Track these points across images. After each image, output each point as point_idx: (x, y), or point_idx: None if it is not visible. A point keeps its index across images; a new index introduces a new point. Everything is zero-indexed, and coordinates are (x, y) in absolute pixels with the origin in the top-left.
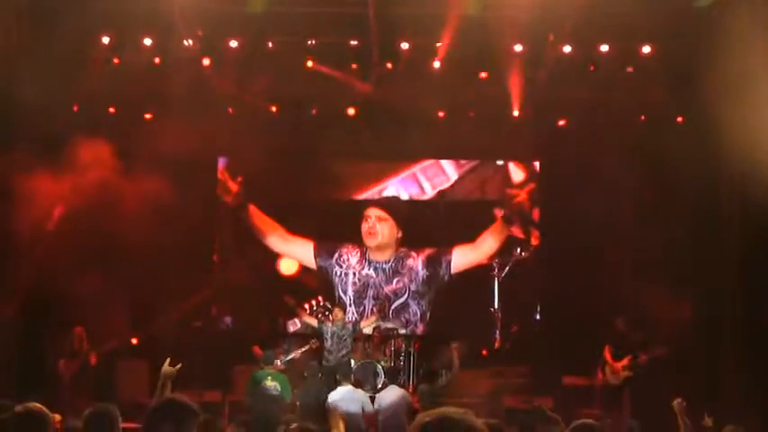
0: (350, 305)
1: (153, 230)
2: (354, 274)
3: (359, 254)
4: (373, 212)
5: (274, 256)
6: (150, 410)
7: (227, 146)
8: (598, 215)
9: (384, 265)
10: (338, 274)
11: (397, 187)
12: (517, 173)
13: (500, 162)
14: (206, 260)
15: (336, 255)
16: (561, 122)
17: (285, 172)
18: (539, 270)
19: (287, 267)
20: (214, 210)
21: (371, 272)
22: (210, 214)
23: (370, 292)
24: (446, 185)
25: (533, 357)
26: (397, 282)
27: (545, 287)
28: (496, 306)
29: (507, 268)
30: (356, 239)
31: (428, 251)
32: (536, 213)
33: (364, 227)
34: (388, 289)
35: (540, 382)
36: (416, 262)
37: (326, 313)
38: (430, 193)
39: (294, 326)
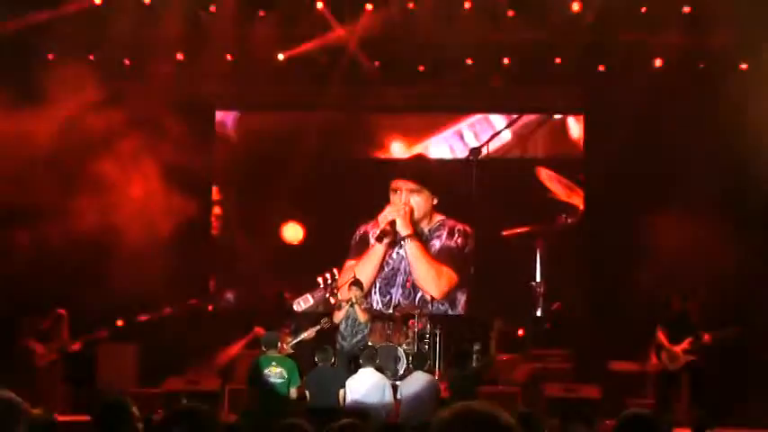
0: (374, 293)
1: (142, 193)
2: (385, 256)
3: (388, 236)
4: (403, 185)
5: (278, 221)
6: None
7: (227, 97)
8: (653, 175)
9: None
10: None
11: (426, 146)
12: (562, 127)
13: (541, 115)
14: (202, 226)
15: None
16: (608, 69)
17: (292, 128)
18: (585, 239)
19: (292, 234)
20: (211, 167)
21: (403, 252)
22: (208, 173)
23: (399, 279)
24: (483, 142)
25: (577, 339)
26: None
27: (591, 258)
28: (538, 280)
29: (551, 237)
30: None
31: (460, 225)
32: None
33: (395, 200)
34: None
35: (584, 368)
36: (452, 233)
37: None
38: (464, 151)
39: (306, 302)
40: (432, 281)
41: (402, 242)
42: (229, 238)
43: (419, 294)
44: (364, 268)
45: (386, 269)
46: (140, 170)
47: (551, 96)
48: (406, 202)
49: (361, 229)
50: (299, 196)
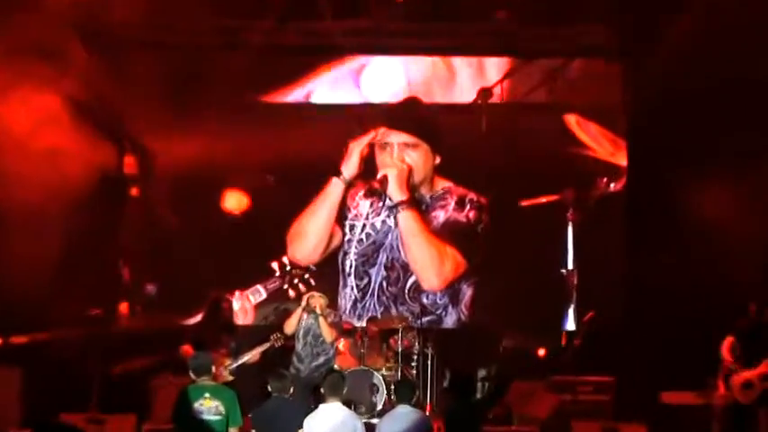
0: (348, 275)
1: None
2: (365, 226)
3: (376, 189)
4: (395, 138)
5: (217, 188)
6: None
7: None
8: (716, 129)
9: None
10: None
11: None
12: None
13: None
14: (113, 194)
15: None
16: None
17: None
18: (632, 213)
19: (235, 202)
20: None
21: (391, 222)
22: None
23: (382, 258)
24: (494, 82)
25: (618, 361)
26: None
27: (638, 242)
28: (569, 267)
29: (587, 209)
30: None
31: (472, 194)
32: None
33: (384, 159)
34: None
35: (627, 400)
36: (462, 204)
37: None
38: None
39: (257, 296)
40: (431, 264)
41: (394, 210)
42: (149, 210)
43: (410, 281)
44: (314, 216)
45: (365, 242)
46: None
47: (578, 34)
48: (401, 159)
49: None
50: (244, 152)
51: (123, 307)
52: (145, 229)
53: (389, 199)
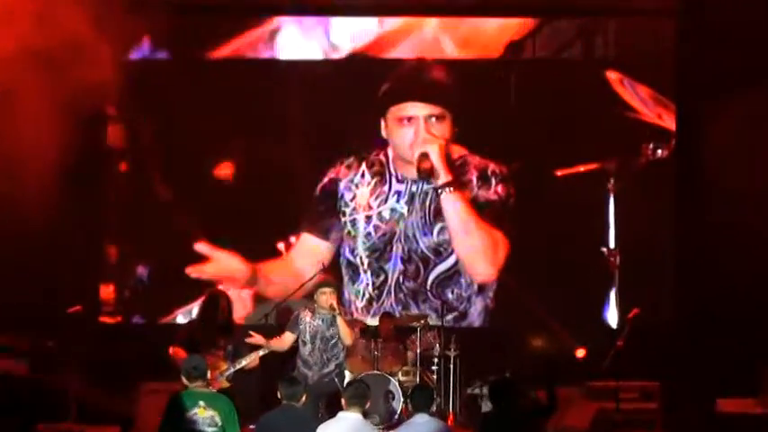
0: (365, 271)
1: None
2: (370, 218)
3: (378, 171)
4: (420, 110)
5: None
6: None
7: None
8: None
9: (427, 190)
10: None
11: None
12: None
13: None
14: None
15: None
16: None
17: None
18: (679, 184)
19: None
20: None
21: (403, 205)
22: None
23: (397, 250)
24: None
25: (665, 364)
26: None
27: (688, 214)
28: (611, 246)
29: (631, 178)
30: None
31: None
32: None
33: (403, 134)
34: (427, 242)
35: (678, 409)
36: (486, 179)
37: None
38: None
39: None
40: (485, 252)
41: (440, 192)
42: (136, 185)
43: (433, 274)
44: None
45: (374, 235)
46: None
47: None
48: (430, 134)
49: (330, 175)
50: (241, 121)
51: (109, 291)
52: (134, 205)
53: (428, 181)
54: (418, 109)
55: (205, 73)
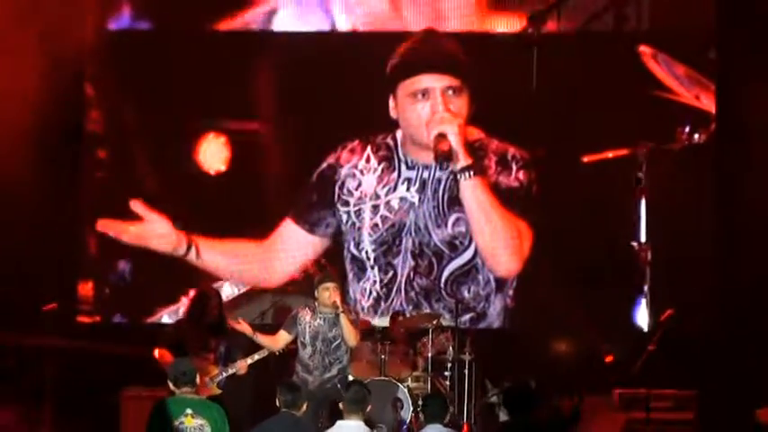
0: (371, 267)
1: None
2: (378, 207)
3: (385, 155)
4: (437, 82)
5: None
6: None
7: None
8: None
9: (440, 177)
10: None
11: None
12: None
13: None
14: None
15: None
16: None
17: None
18: (718, 172)
19: (215, 158)
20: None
21: (413, 194)
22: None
23: (407, 243)
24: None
25: (702, 371)
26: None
27: (728, 206)
28: (642, 240)
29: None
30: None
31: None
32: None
33: (418, 111)
34: (441, 235)
35: (715, 419)
36: (506, 164)
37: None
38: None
39: None
40: (509, 244)
41: (459, 177)
42: (117, 172)
43: (447, 270)
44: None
45: (381, 227)
46: None
47: None
48: (447, 110)
49: (329, 160)
50: (230, 100)
51: (88, 287)
52: (116, 193)
53: (446, 164)
54: (434, 80)
55: (192, 46)
